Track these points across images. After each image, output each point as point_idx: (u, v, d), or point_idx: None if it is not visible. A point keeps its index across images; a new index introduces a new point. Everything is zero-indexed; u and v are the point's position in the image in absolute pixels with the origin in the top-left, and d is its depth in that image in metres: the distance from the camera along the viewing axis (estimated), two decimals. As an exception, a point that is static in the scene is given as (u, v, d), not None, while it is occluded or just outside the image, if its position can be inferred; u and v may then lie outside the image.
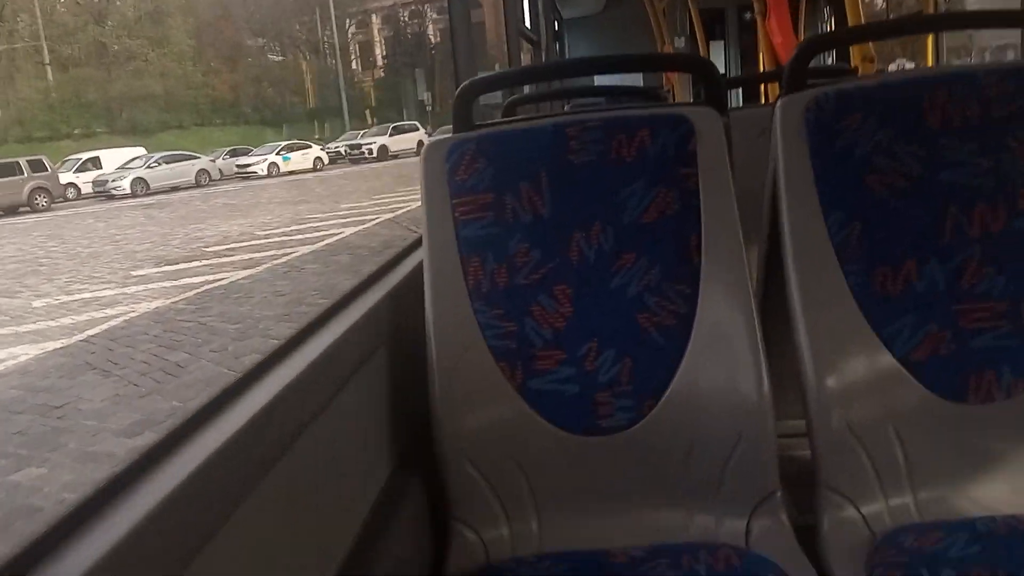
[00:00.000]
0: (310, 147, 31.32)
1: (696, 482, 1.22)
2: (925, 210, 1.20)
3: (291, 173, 28.74)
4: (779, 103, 1.28)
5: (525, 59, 4.98)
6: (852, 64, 2.30)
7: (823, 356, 1.20)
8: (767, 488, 1.21)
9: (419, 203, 1.32)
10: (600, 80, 7.59)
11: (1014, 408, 1.17)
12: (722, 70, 7.80)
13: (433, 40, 47.80)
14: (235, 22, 46.67)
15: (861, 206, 1.21)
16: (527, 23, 5.43)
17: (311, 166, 29.98)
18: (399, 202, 15.63)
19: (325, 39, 48.35)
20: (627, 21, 7.94)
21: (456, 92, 1.41)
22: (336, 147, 33.09)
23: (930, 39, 4.60)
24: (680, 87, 7.15)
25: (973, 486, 1.19)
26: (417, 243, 1.54)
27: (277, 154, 29.75)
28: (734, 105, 6.68)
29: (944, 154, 1.20)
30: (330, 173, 27.90)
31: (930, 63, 4.56)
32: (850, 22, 2.46)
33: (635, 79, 8.02)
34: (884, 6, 7.84)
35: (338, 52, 46.30)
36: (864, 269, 1.20)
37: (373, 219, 13.61)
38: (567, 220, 1.26)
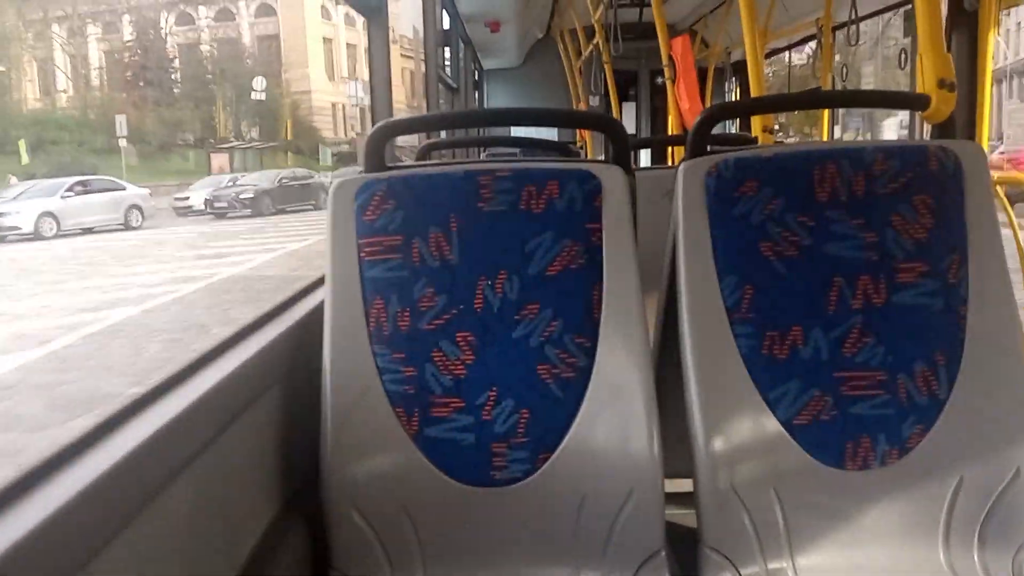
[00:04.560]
0: None
1: (584, 538, 1.22)
2: (812, 279, 1.25)
3: None
4: (682, 167, 1.33)
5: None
6: (753, 133, 2.42)
7: (712, 417, 1.22)
8: (653, 546, 1.22)
9: None
10: (517, 131, 7.77)
11: (888, 476, 1.22)
12: (633, 130, 8.11)
13: (174, 55, 38.87)
14: None
15: (753, 271, 1.26)
16: (447, 70, 5.51)
17: None
18: None
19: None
20: (545, 75, 8.16)
21: (369, 133, 1.41)
22: None
23: (825, 114, 4.90)
24: (593, 143, 7.36)
25: (848, 553, 1.22)
26: (319, 282, 1.52)
27: None
28: (643, 164, 6.94)
29: (831, 226, 1.26)
30: None
31: (824, 137, 4.85)
32: (752, 94, 2.59)
33: (551, 132, 8.23)
34: (787, 78, 8.31)
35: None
36: (754, 333, 1.25)
37: None
38: (474, 267, 1.27)
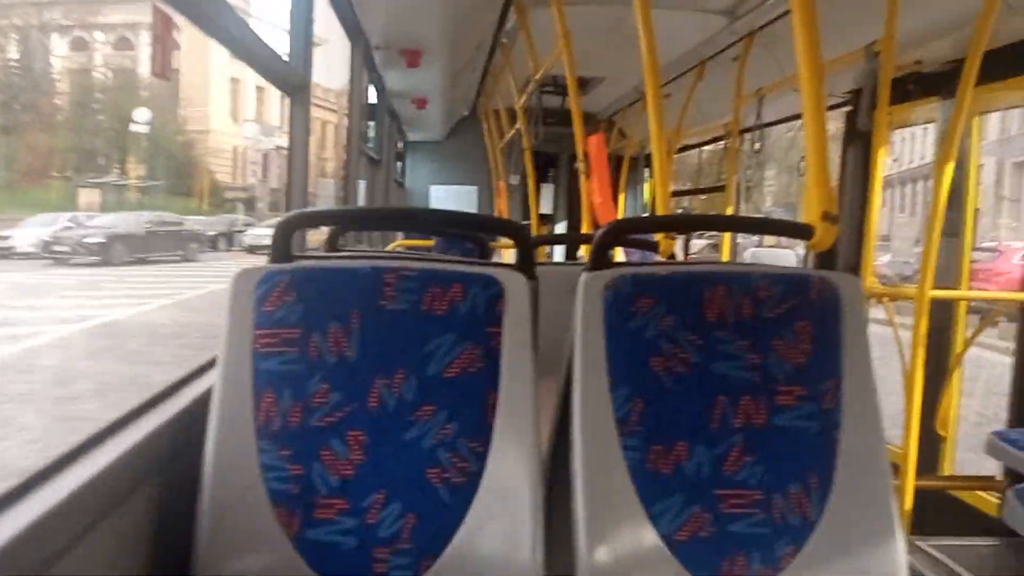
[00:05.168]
0: None
1: None
2: (698, 397, 1.31)
3: None
4: (582, 279, 1.37)
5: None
6: (656, 238, 2.53)
7: (596, 530, 1.24)
8: None
9: None
10: (436, 193, 7.83)
11: None
12: (550, 210, 8.29)
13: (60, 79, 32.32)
14: None
15: (644, 385, 1.31)
16: (371, 141, 5.55)
17: None
18: None
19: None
20: (468, 151, 8.31)
21: (278, 223, 1.41)
22: None
23: (726, 237, 5.18)
24: (510, 216, 7.52)
25: None
26: (208, 365, 1.48)
27: None
28: (558, 254, 7.10)
29: (718, 346, 1.32)
30: None
31: (725, 258, 5.10)
32: (657, 199, 2.71)
33: (469, 197, 8.39)
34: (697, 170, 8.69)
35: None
36: (640, 446, 1.28)
37: None
38: (371, 365, 1.27)
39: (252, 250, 22.48)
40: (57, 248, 18.86)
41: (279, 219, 1.43)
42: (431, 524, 1.22)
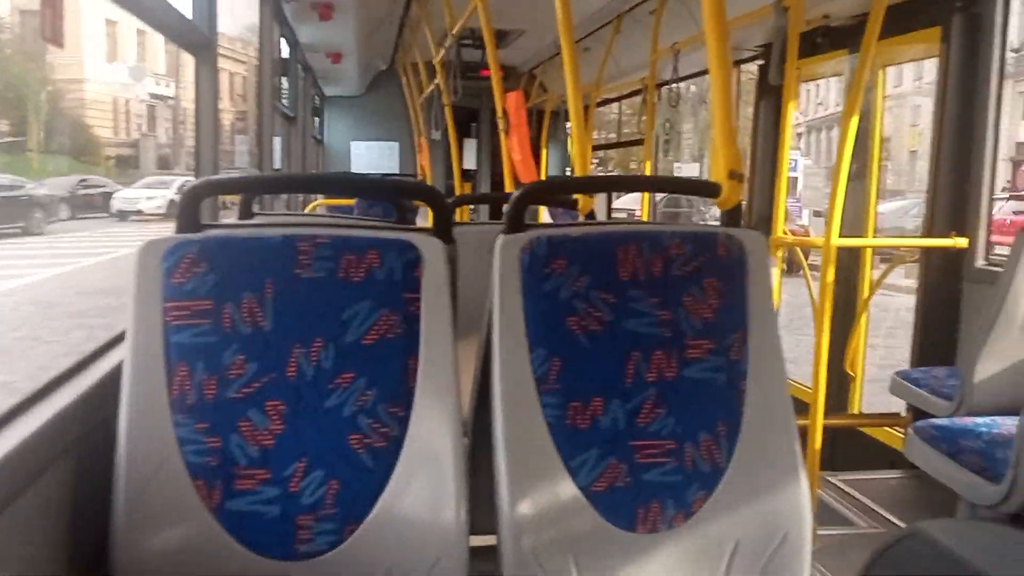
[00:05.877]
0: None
1: None
2: (613, 353, 1.35)
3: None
4: (499, 242, 1.39)
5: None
6: (576, 196, 2.56)
7: (517, 483, 1.28)
8: None
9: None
10: (356, 162, 7.66)
11: (675, 539, 1.32)
12: (474, 165, 8.25)
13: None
14: None
15: (561, 345, 1.34)
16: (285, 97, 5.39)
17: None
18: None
19: None
20: (388, 106, 8.16)
21: (184, 191, 1.37)
22: None
23: (645, 197, 5.28)
24: (432, 173, 7.46)
25: None
26: (117, 339, 1.44)
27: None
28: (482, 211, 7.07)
29: (631, 304, 1.36)
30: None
31: (645, 216, 5.20)
32: (576, 165, 2.74)
33: (391, 153, 8.26)
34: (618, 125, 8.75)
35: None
36: (559, 403, 1.32)
37: None
38: (288, 334, 1.26)
39: (123, 216, 19.51)
40: None
41: (186, 187, 1.39)
42: (354, 490, 1.24)
